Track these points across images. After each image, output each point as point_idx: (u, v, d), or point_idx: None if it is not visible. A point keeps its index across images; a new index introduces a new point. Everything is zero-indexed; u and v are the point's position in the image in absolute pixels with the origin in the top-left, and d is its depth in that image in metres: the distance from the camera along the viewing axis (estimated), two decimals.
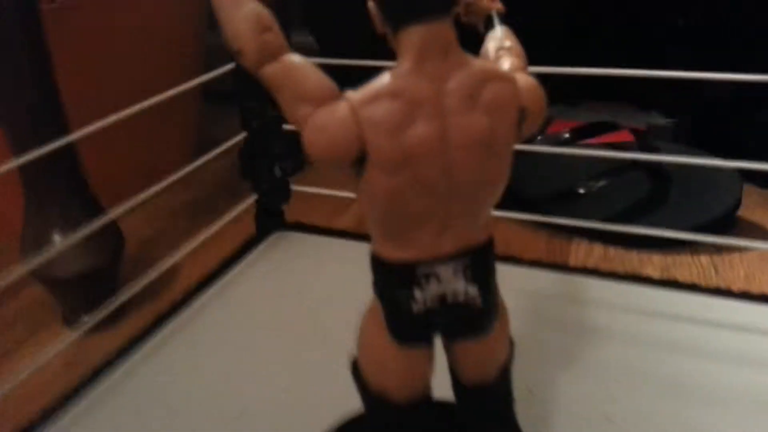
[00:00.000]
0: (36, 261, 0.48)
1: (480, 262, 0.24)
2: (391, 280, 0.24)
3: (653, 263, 0.57)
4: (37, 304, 0.57)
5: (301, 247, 0.62)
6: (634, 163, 0.64)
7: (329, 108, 0.22)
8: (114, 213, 0.51)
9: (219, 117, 0.92)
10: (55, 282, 0.49)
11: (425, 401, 0.27)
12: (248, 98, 0.55)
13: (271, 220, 0.64)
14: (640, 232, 0.57)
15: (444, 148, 0.22)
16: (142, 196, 0.48)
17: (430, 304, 0.23)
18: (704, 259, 0.58)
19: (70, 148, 0.49)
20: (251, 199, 0.61)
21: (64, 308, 0.52)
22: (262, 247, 0.62)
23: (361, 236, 0.61)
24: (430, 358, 0.26)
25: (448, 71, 0.22)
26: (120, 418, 0.41)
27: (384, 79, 0.22)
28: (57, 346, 0.50)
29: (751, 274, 0.55)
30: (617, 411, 0.40)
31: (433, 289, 0.23)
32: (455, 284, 0.23)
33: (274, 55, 0.23)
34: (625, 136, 0.66)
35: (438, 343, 0.27)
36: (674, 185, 0.62)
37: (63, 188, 0.48)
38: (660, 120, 0.74)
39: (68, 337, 0.51)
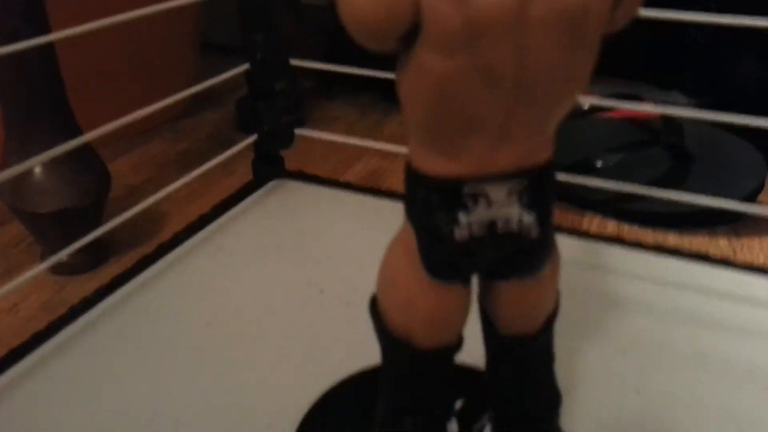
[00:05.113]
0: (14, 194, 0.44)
1: (540, 185, 0.19)
2: (430, 200, 0.19)
3: (669, 243, 0.54)
4: (13, 243, 0.53)
5: (301, 196, 0.57)
6: (656, 140, 0.61)
7: None
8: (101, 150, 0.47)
9: (216, 70, 0.89)
10: (34, 218, 0.45)
11: (454, 351, 0.23)
12: (255, 29, 0.51)
13: (270, 167, 0.59)
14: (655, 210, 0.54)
15: (520, 23, 0.17)
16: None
17: (476, 231, 0.19)
18: (722, 242, 0.55)
19: (57, 84, 0.45)
20: (249, 140, 0.57)
21: (44, 247, 0.49)
22: (258, 194, 0.58)
23: (367, 190, 0.57)
24: (466, 300, 0.22)
25: None
26: (95, 359, 0.39)
27: None
28: (33, 285, 0.47)
29: None
30: (645, 384, 0.38)
31: (481, 213, 0.19)
32: (508, 209, 0.19)
33: None
34: (648, 111, 0.62)
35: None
36: (695, 165, 0.59)
37: (47, 124, 0.45)
38: (681, 100, 0.71)
39: (46, 277, 0.48)
